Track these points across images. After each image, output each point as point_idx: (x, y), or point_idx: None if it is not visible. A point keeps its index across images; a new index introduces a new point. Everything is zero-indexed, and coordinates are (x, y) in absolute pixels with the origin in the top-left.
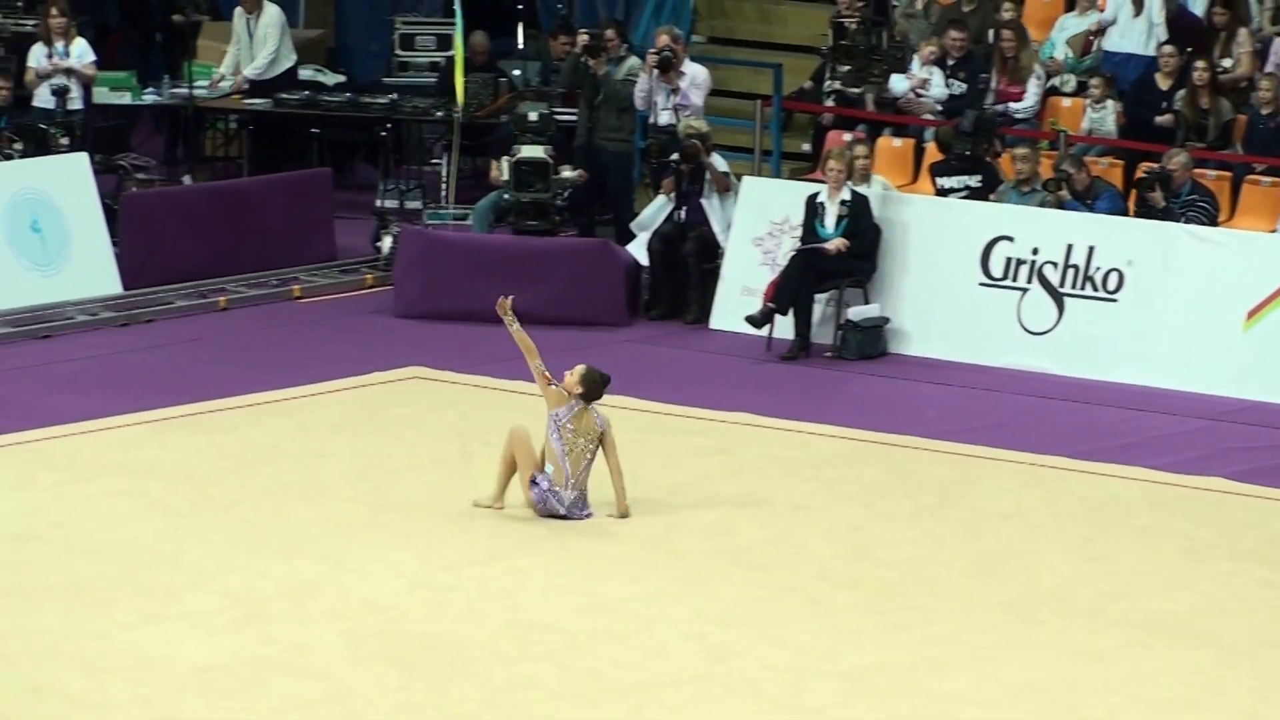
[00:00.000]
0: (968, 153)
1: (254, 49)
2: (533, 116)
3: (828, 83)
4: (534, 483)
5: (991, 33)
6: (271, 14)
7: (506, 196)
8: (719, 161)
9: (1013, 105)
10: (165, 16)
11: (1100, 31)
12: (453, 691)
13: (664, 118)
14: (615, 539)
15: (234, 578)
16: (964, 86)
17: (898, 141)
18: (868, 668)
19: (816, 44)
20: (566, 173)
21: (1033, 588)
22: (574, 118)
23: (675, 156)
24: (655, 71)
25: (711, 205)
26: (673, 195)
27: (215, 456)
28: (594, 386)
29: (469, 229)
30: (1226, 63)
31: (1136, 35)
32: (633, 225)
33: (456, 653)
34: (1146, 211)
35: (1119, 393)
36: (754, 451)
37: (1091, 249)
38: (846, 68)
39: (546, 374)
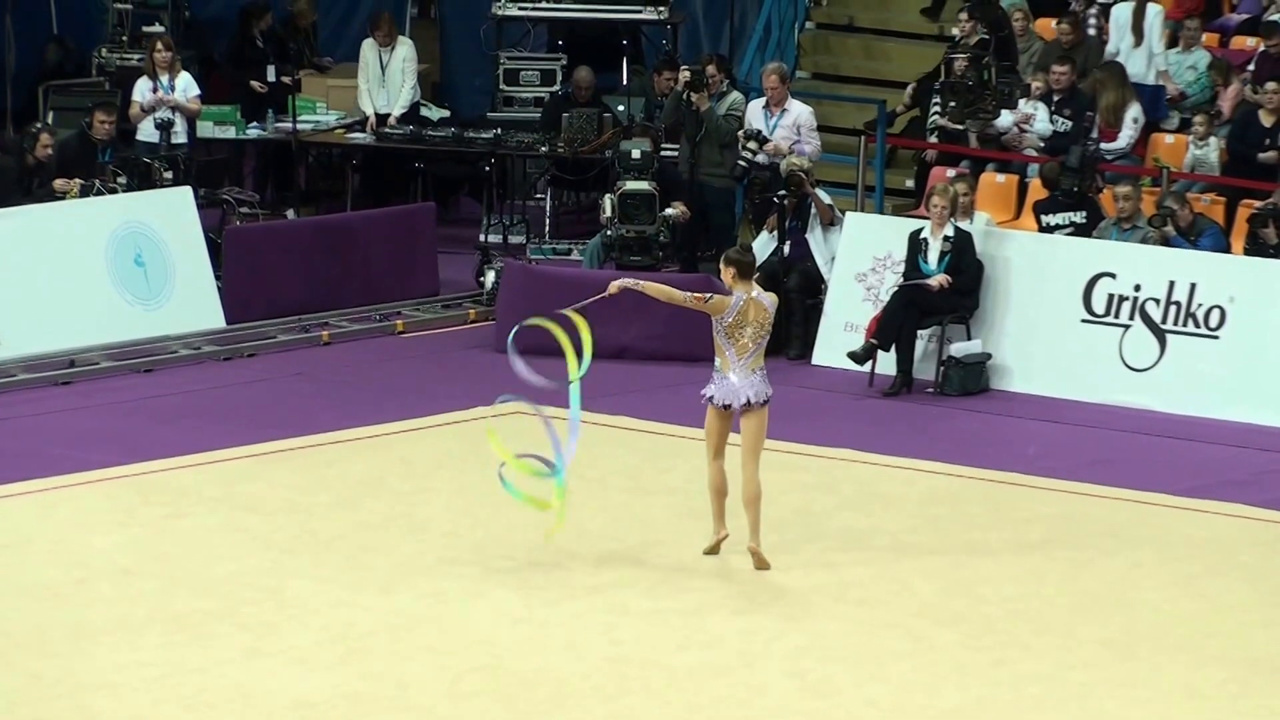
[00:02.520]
0: (1075, 189)
1: (387, 82)
2: (635, 154)
3: (932, 118)
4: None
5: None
6: (407, 46)
7: (609, 232)
8: (823, 194)
9: (1105, 145)
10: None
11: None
12: None
13: (762, 157)
14: (716, 574)
15: (335, 612)
16: (1069, 123)
17: (1001, 177)
18: (969, 705)
19: (921, 80)
20: (670, 210)
21: (1133, 625)
22: (676, 153)
23: (781, 192)
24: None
25: (815, 239)
26: (776, 231)
27: (317, 491)
28: (738, 262)
29: (574, 264)
30: None
31: (1137, 65)
32: None
33: (556, 688)
34: (1258, 248)
35: (1222, 429)
36: (856, 487)
37: (1194, 285)
38: (953, 102)
39: (697, 296)
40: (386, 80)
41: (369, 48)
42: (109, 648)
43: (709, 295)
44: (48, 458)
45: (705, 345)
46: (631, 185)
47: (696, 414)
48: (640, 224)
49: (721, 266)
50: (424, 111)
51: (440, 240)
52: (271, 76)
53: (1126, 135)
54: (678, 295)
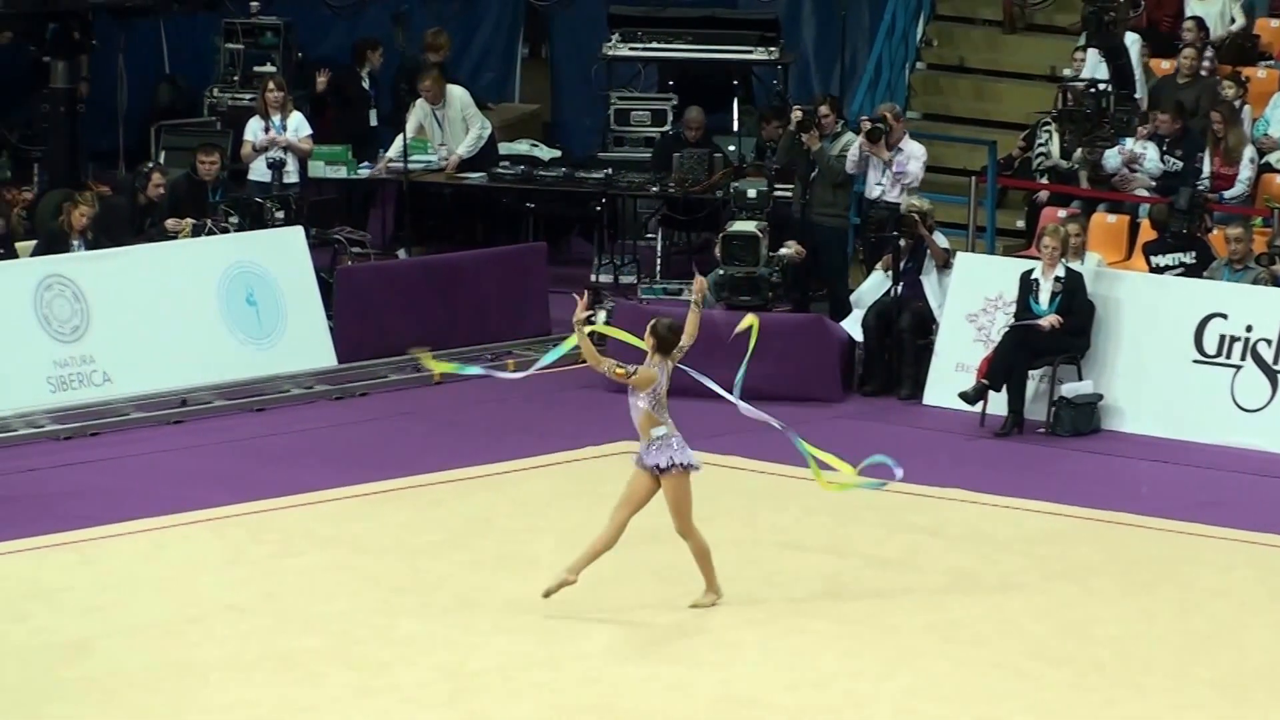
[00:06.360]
0: (1184, 230)
1: (447, 135)
2: (751, 193)
3: (1039, 158)
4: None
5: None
6: (458, 95)
7: (720, 272)
8: (940, 238)
9: (1225, 194)
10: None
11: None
12: None
13: (874, 192)
14: (827, 615)
15: (445, 651)
16: (1180, 164)
17: (1112, 218)
18: None
19: (1031, 121)
20: (783, 250)
21: (1243, 665)
22: (790, 193)
23: (895, 233)
24: (866, 140)
25: (930, 281)
26: (890, 271)
27: (426, 530)
28: (663, 338)
29: (685, 304)
30: None
31: None
32: (852, 298)
33: None
34: None
35: None
36: (966, 527)
37: None
38: (1070, 131)
39: (619, 370)
40: (448, 134)
41: (421, 108)
42: (219, 686)
43: (632, 370)
44: (159, 497)
45: (815, 384)
46: (736, 226)
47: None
48: (744, 265)
49: (647, 334)
50: (535, 151)
51: (551, 280)
52: (374, 121)
53: (1245, 177)
54: (601, 363)
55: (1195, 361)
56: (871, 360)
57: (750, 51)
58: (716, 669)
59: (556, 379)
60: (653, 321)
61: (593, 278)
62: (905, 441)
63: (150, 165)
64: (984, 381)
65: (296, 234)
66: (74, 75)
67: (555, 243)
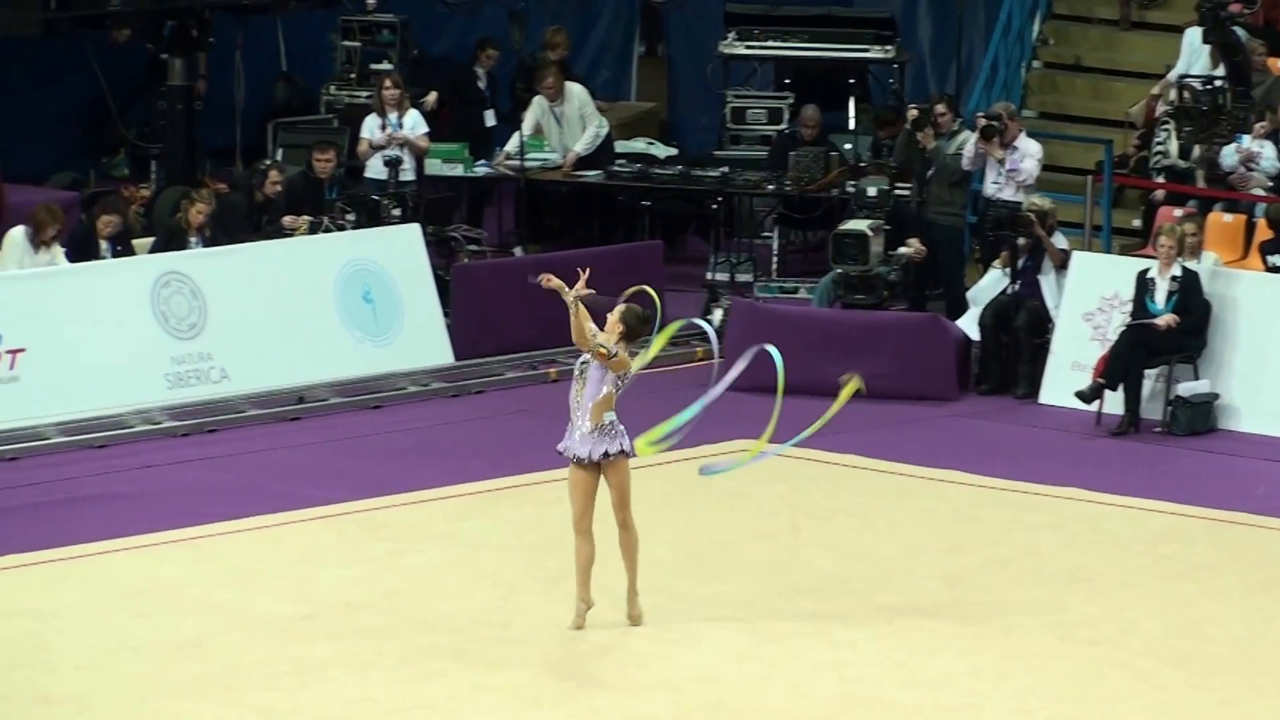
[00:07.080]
0: None
1: (565, 132)
2: (872, 192)
3: (1155, 156)
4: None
5: None
6: (577, 93)
7: (837, 270)
8: (1060, 239)
9: None
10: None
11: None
12: None
13: (990, 189)
14: (945, 613)
15: (561, 649)
16: None
17: (1228, 217)
18: None
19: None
20: (903, 249)
21: None
22: (908, 192)
23: (1012, 232)
24: (980, 138)
25: (1048, 281)
26: (1007, 269)
27: (543, 527)
28: (633, 327)
29: (802, 302)
30: None
31: None
32: (969, 296)
33: None
34: None
35: None
36: (1083, 526)
37: None
38: (1189, 128)
39: (603, 349)
40: (566, 132)
41: (539, 105)
42: (336, 683)
43: (614, 351)
44: (276, 493)
45: (931, 383)
46: (848, 225)
47: (924, 452)
48: (856, 263)
49: (616, 321)
50: (651, 150)
51: (667, 278)
52: (491, 120)
53: None
54: (587, 340)
55: None
56: (987, 359)
57: (866, 50)
58: (833, 667)
59: (670, 378)
60: (622, 309)
61: (709, 275)
62: (1021, 440)
63: (267, 162)
64: (1100, 381)
65: (413, 231)
66: (191, 73)
67: (671, 241)
